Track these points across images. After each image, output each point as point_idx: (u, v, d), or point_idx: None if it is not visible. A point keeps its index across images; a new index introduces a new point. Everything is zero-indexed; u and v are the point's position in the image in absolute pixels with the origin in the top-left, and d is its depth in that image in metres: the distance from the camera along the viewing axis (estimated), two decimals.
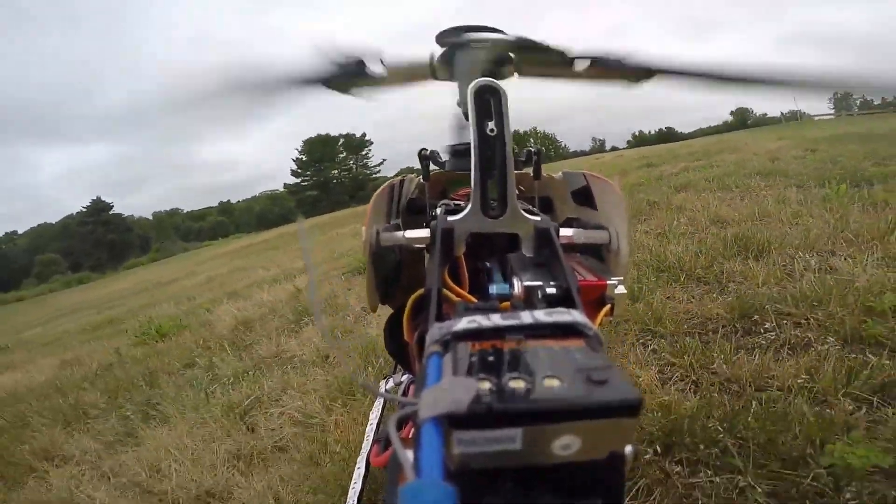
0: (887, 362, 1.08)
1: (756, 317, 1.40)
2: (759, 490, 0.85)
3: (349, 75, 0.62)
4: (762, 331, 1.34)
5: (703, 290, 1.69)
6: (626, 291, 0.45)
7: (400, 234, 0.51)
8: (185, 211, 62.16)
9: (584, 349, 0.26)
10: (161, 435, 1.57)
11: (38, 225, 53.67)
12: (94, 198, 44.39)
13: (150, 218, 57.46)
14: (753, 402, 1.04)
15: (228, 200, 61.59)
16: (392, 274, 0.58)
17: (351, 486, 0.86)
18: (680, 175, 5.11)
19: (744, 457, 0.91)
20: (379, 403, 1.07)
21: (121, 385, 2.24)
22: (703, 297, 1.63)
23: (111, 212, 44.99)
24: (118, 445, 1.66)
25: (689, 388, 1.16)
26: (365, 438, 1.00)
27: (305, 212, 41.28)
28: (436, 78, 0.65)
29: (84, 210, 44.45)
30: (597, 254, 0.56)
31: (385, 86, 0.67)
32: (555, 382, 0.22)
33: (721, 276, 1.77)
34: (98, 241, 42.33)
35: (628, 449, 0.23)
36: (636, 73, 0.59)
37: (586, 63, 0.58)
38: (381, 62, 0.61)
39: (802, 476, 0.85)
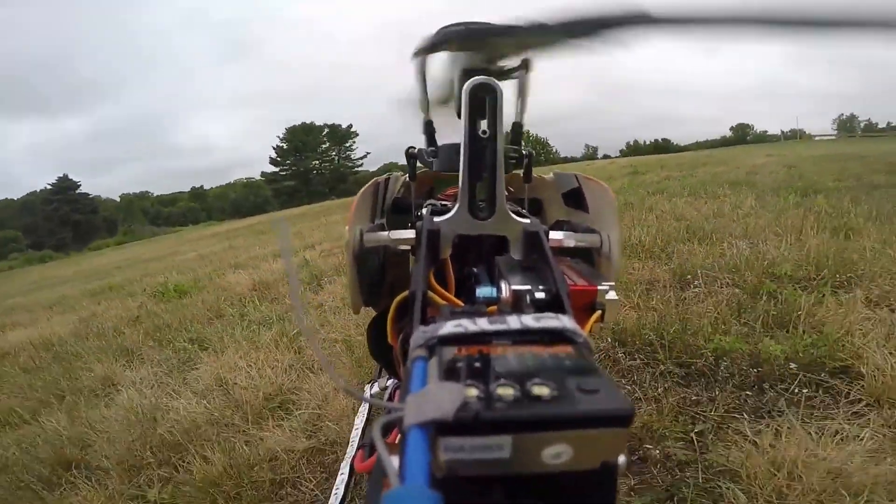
0: (767, 304, 1.62)
1: (689, 277, 1.95)
2: (673, 371, 1.37)
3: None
4: (692, 286, 1.88)
5: (655, 263, 2.24)
6: (617, 298, 0.45)
7: (384, 234, 0.51)
8: (154, 195, 61.25)
9: (574, 356, 0.27)
10: (221, 359, 1.91)
11: None
12: (61, 175, 43.64)
13: (118, 200, 56.42)
14: (675, 322, 1.57)
15: (202, 186, 60.85)
16: (376, 275, 0.58)
17: (333, 492, 0.88)
18: (661, 182, 5.73)
19: (665, 351, 1.43)
20: (364, 409, 1.14)
21: (161, 329, 2.60)
22: (654, 266, 2.17)
23: (78, 191, 44.23)
24: (178, 372, 1.93)
25: (633, 314, 1.70)
26: (349, 444, 1.06)
27: (282, 203, 41.30)
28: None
29: (49, 187, 43.62)
30: (587, 257, 0.56)
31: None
32: (544, 390, 0.23)
33: (671, 253, 2.32)
34: (63, 220, 41.55)
35: (621, 459, 0.23)
36: (622, 27, 0.47)
37: (567, 32, 0.51)
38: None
39: (698, 359, 1.38)
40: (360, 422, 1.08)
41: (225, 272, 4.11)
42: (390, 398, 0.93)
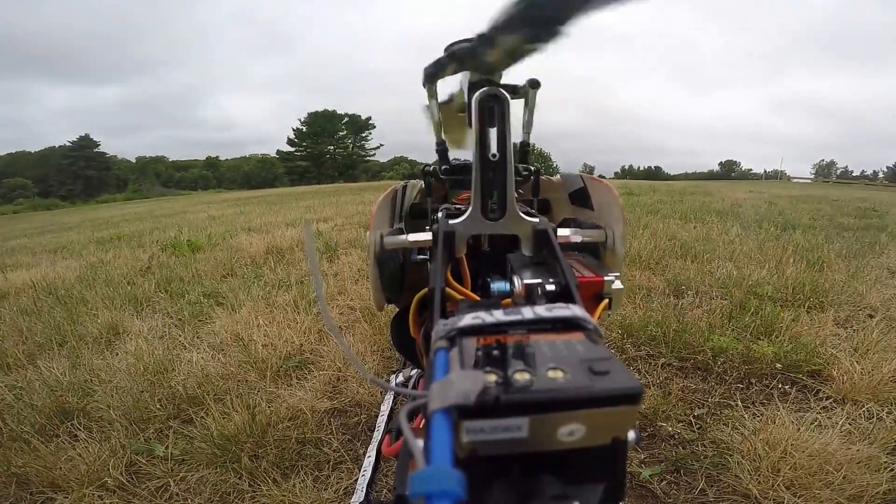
0: (751, 316, 1.66)
1: (683, 287, 2.01)
2: (673, 363, 1.43)
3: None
4: (686, 295, 1.94)
5: (651, 273, 2.28)
6: (623, 287, 0.45)
7: (403, 237, 0.52)
8: (170, 159, 60.17)
9: (585, 342, 0.27)
10: (237, 315, 1.82)
11: (16, 152, 50.73)
12: (83, 134, 42.95)
13: (134, 161, 55.43)
14: (674, 321, 1.62)
15: (217, 157, 59.96)
16: (396, 275, 0.59)
17: (361, 474, 0.89)
18: (653, 204, 5.78)
19: (666, 345, 1.49)
20: (389, 397, 1.13)
21: (173, 281, 2.48)
22: (651, 276, 2.22)
23: (96, 150, 43.48)
24: (190, 325, 1.82)
25: (640, 311, 1.75)
26: (376, 429, 1.06)
27: (293, 181, 41.07)
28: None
29: (69, 144, 42.81)
30: (594, 252, 0.57)
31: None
32: (558, 374, 0.23)
33: (666, 267, 2.37)
34: (76, 174, 40.86)
35: (631, 434, 0.24)
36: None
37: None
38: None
39: (697, 354, 1.45)
40: (385, 409, 1.09)
41: (238, 234, 4.04)
42: (414, 387, 0.93)
